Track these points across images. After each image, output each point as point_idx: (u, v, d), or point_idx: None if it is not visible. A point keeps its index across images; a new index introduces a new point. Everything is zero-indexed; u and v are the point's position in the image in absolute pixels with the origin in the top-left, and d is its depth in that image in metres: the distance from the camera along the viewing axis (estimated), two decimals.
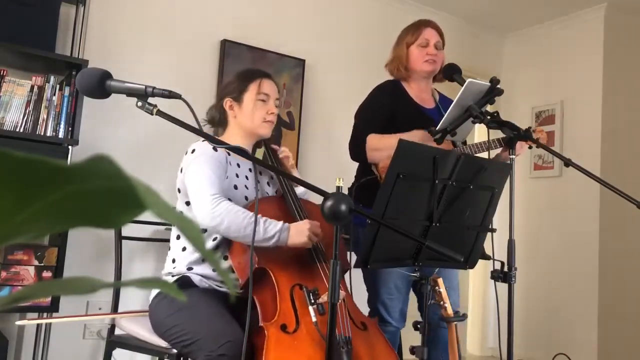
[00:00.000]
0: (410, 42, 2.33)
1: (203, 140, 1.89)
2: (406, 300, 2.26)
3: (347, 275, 1.96)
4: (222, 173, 1.85)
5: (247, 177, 1.98)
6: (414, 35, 2.33)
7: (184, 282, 1.84)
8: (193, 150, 1.88)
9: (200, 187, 1.78)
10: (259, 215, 1.73)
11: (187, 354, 1.75)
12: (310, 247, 1.81)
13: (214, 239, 1.85)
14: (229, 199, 1.86)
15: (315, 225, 1.76)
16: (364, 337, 1.74)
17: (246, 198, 1.92)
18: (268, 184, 2.07)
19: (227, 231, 1.72)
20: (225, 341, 1.58)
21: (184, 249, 1.90)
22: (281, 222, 1.74)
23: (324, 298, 1.64)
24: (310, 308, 1.65)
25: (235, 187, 1.91)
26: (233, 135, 1.99)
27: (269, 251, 1.74)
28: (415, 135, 2.11)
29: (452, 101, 1.97)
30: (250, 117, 1.96)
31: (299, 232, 1.73)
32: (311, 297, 1.66)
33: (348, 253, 2.01)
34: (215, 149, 1.87)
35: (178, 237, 1.95)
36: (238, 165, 1.97)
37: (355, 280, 1.93)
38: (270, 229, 1.71)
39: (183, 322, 1.72)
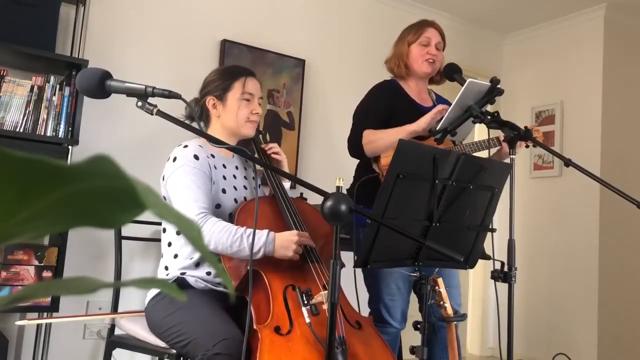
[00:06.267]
0: (412, 41, 2.33)
1: (185, 146, 1.86)
2: (407, 300, 2.25)
3: (349, 275, 1.95)
4: (206, 182, 1.81)
5: (234, 177, 1.94)
6: (416, 34, 2.34)
7: (179, 284, 1.82)
8: (175, 159, 1.84)
9: (183, 205, 1.75)
10: (243, 228, 1.71)
11: (185, 354, 1.74)
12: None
13: None
14: (218, 205, 1.84)
15: (305, 236, 1.74)
16: (359, 336, 1.73)
17: (235, 200, 1.89)
18: (261, 185, 2.05)
19: (215, 250, 1.72)
20: (220, 339, 1.57)
21: (175, 256, 1.87)
22: (266, 232, 1.71)
23: (317, 298, 1.62)
24: (304, 309, 1.63)
25: (224, 191, 1.87)
26: (216, 135, 1.92)
27: None
28: (406, 129, 2.10)
29: (449, 101, 1.97)
30: (234, 116, 1.92)
31: (285, 247, 1.70)
32: (304, 298, 1.65)
33: (349, 253, 2.01)
34: (196, 156, 1.82)
35: (169, 244, 1.91)
36: (224, 165, 1.93)
37: (351, 280, 1.92)
38: (255, 243, 1.68)
39: (180, 322, 1.71)
